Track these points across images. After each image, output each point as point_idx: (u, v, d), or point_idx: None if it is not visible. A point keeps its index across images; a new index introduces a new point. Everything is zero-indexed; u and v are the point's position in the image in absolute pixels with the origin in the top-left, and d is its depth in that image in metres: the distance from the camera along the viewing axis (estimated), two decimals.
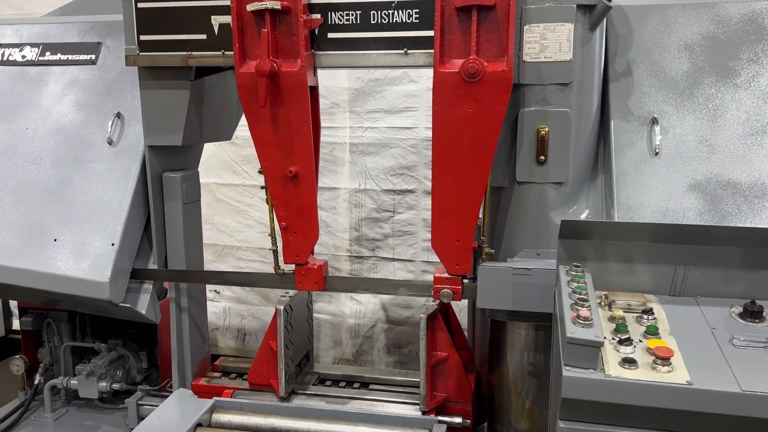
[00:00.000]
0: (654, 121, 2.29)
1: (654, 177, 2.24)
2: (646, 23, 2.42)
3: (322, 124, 4.24)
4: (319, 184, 4.31)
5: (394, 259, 4.19)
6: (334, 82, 4.05)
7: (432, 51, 2.17)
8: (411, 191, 4.06)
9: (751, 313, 1.77)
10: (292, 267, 2.49)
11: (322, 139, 4.30)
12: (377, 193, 4.14)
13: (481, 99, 2.15)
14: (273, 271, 2.60)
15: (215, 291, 4.49)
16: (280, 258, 2.53)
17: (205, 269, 3.26)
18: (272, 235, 2.49)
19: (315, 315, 4.29)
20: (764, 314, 1.77)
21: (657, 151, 2.25)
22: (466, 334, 3.05)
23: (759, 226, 2.06)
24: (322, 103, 4.15)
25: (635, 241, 1.94)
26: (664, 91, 2.34)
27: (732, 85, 2.29)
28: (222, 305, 4.49)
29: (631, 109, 2.34)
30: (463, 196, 2.25)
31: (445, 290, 2.32)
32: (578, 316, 1.63)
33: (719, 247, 1.88)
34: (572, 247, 2.00)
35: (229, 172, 4.33)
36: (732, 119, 2.25)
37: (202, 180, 4.31)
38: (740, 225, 2.09)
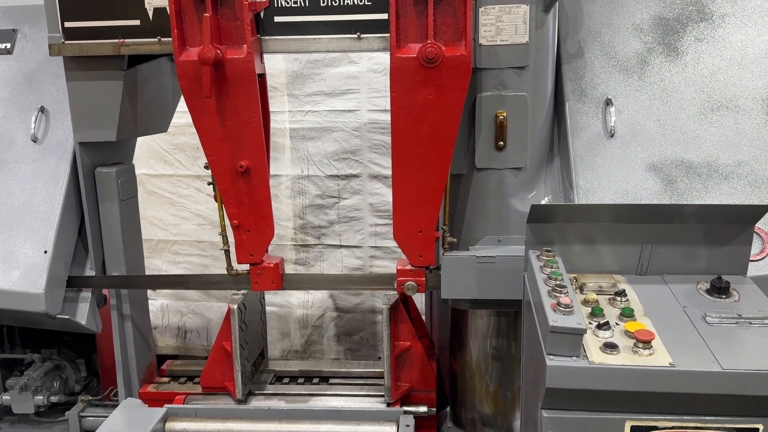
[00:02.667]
0: (608, 103, 2.29)
1: (611, 159, 2.25)
2: (595, 3, 2.41)
3: None
4: None
5: (341, 246, 4.10)
6: (271, 64, 3.86)
7: (387, 35, 2.08)
8: (356, 176, 3.97)
9: (719, 289, 1.81)
10: (246, 266, 2.36)
11: None
12: (321, 179, 4.03)
13: (440, 84, 2.08)
14: (225, 271, 2.46)
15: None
16: (233, 257, 2.39)
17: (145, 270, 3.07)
18: (223, 234, 2.35)
19: None
20: (731, 290, 1.82)
21: (612, 132, 2.26)
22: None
23: (717, 203, 2.11)
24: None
25: (601, 222, 1.95)
26: (616, 71, 2.35)
27: (681, 64, 2.33)
28: (159, 303, 4.27)
29: (585, 91, 2.34)
30: (425, 185, 2.19)
31: (409, 283, 2.27)
32: (558, 303, 1.61)
33: (683, 225, 1.91)
34: (540, 231, 1.98)
35: (161, 162, 4.09)
36: (682, 99, 2.29)
37: None
38: (698, 203, 2.13)
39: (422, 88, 2.09)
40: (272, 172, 4.07)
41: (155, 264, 4.23)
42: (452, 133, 2.14)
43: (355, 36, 2.16)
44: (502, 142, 2.25)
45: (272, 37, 2.17)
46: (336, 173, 3.99)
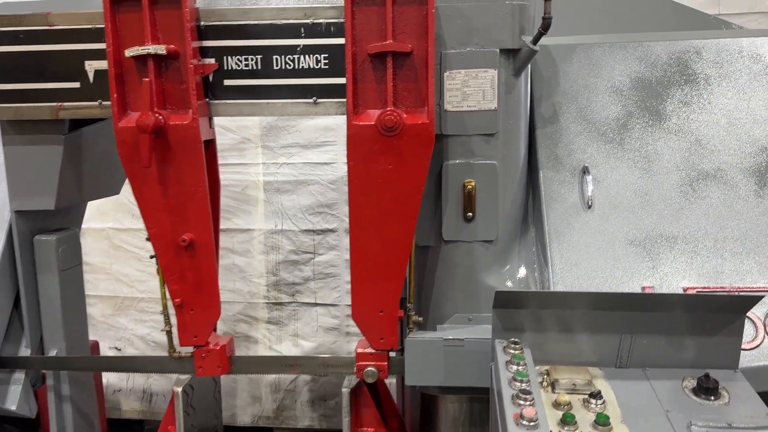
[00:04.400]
0: (585, 171, 2.13)
1: (588, 232, 2.07)
2: (571, 63, 2.27)
3: (232, 160, 3.96)
4: (232, 226, 3.99)
5: (316, 304, 3.90)
6: None
7: (345, 100, 1.93)
8: (332, 230, 3.79)
9: (706, 390, 1.61)
10: (191, 349, 2.16)
11: (234, 176, 4.01)
12: (295, 234, 3.85)
13: (400, 154, 1.92)
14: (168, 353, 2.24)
15: (116, 348, 4.05)
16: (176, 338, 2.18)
17: (95, 341, 2.87)
18: (164, 313, 2.15)
19: None
20: (720, 390, 1.62)
21: (590, 203, 2.09)
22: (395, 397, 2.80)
23: (704, 286, 1.93)
24: (232, 138, 3.83)
25: (576, 309, 1.76)
26: (594, 137, 2.19)
27: (663, 130, 2.17)
28: None
29: (560, 158, 2.17)
30: (385, 260, 2.01)
31: (369, 369, 2.06)
32: (522, 416, 1.42)
33: (666, 314, 1.72)
34: (508, 317, 1.79)
35: (128, 215, 3.91)
36: (666, 167, 2.13)
37: (97, 225, 3.95)
38: (682, 284, 1.95)
39: (381, 157, 1.92)
40: (244, 226, 3.91)
41: (121, 322, 4.02)
42: (415, 206, 1.96)
43: (311, 101, 2.00)
44: (470, 213, 2.08)
45: (222, 101, 2.02)
46: (311, 228, 3.81)
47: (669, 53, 2.25)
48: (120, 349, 4.05)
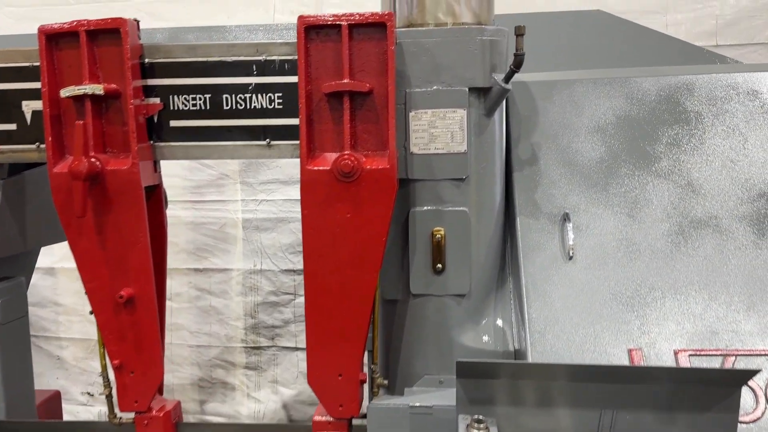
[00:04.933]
0: (566, 218, 1.94)
1: (569, 286, 1.88)
2: (551, 101, 2.10)
3: (210, 197, 3.80)
4: (209, 266, 3.83)
5: (297, 348, 3.71)
6: None
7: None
8: None
9: None
10: (132, 414, 1.97)
11: (211, 213, 3.85)
12: (275, 274, 3.68)
13: (360, 201, 1.75)
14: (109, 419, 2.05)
15: (88, 393, 3.86)
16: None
17: (57, 391, 2.69)
18: (103, 374, 1.97)
19: (206, 417, 3.74)
20: None
21: (571, 254, 1.90)
22: None
23: (701, 353, 1.73)
24: (210, 174, 3.69)
25: (551, 381, 1.56)
26: (576, 181, 2.01)
27: (652, 173, 1.99)
28: (97, 410, 3.85)
29: (539, 204, 1.99)
30: (345, 318, 1.82)
31: None
32: None
33: (653, 387, 1.52)
34: (474, 387, 1.59)
35: None
36: (654, 214, 1.94)
37: (70, 265, 3.78)
38: (673, 346, 1.75)
39: (339, 205, 1.75)
40: (222, 265, 3.75)
41: (93, 366, 3.84)
42: (376, 258, 1.78)
43: (265, 143, 1.84)
44: (440, 265, 1.90)
45: (168, 144, 1.86)
46: (291, 267, 3.64)
47: (658, 90, 2.09)
48: (92, 395, 3.87)
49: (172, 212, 3.70)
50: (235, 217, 3.69)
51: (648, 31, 2.38)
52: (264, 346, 3.71)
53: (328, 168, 1.73)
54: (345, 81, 1.71)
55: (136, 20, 1.80)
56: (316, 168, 1.75)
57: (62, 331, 3.88)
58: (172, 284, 3.78)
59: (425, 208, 1.89)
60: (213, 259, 3.71)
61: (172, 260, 3.75)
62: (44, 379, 4.00)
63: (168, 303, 3.82)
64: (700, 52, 2.31)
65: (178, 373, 3.77)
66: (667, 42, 2.38)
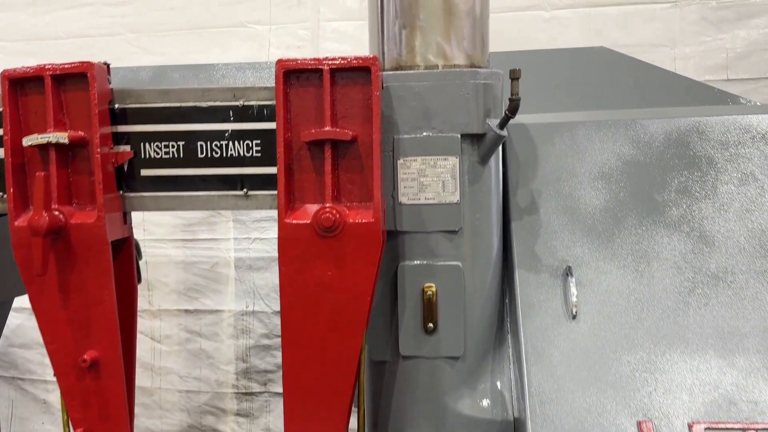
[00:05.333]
0: (568, 273, 1.80)
1: (572, 348, 1.73)
2: (552, 145, 1.97)
3: (202, 235, 3.68)
4: (200, 307, 3.69)
5: None
6: None
7: None
8: None
9: None
10: None
11: (203, 252, 3.73)
12: (268, 316, 3.53)
13: (342, 258, 1.61)
14: None
15: None
16: None
17: None
18: None
19: None
20: None
21: (574, 312, 1.75)
22: None
23: (718, 427, 1.56)
24: (202, 211, 3.57)
25: None
26: (579, 231, 1.86)
27: (661, 223, 1.84)
28: None
29: (540, 257, 1.85)
30: (326, 384, 1.67)
31: None
32: None
33: None
34: None
35: None
36: (664, 268, 1.79)
37: None
38: (687, 418, 1.59)
39: (319, 262, 1.61)
40: (213, 307, 3.61)
41: None
42: (361, 318, 1.64)
43: (242, 193, 1.71)
44: (431, 324, 1.75)
45: (138, 194, 1.74)
46: None
47: (666, 133, 1.95)
48: None
49: (162, 251, 3.60)
50: (227, 256, 3.56)
51: (654, 69, 2.25)
52: (256, 392, 3.55)
53: (308, 222, 1.60)
54: (327, 129, 1.59)
55: (105, 63, 1.70)
56: (295, 221, 1.61)
57: (48, 374, 3.74)
58: (161, 326, 3.65)
59: (415, 262, 1.75)
60: (204, 299, 3.58)
61: (162, 301, 3.63)
62: (30, 425, 3.86)
63: (157, 345, 3.69)
64: (711, 92, 2.18)
65: (167, 419, 3.61)
66: (675, 80, 2.25)
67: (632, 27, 3.05)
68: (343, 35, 3.47)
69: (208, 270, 3.57)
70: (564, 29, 3.12)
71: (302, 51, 3.53)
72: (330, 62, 1.59)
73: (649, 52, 3.03)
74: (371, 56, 1.58)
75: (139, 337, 3.65)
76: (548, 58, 2.28)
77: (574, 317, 1.75)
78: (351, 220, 1.59)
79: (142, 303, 3.60)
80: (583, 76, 2.21)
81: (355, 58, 1.58)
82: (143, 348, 3.60)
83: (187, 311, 3.58)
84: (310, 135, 1.59)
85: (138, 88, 1.72)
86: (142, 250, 3.32)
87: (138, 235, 3.36)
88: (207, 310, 3.57)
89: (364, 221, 1.59)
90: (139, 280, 1.95)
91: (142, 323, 3.63)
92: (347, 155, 1.63)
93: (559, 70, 2.22)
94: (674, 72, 2.30)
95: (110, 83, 1.71)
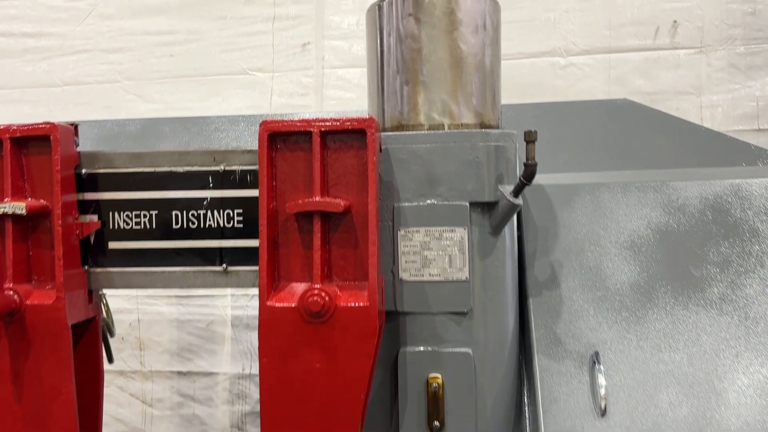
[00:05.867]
0: (595, 359, 1.56)
1: None
2: (573, 210, 1.76)
3: (197, 292, 3.49)
4: (194, 369, 3.45)
5: None
6: None
7: None
8: None
9: None
10: None
11: (198, 310, 3.51)
12: None
13: (333, 347, 1.39)
14: None
15: None
16: None
17: None
18: None
19: None
20: None
21: (603, 407, 1.51)
22: None
23: None
24: None
25: None
26: (606, 310, 1.64)
27: (699, 302, 1.61)
28: None
29: (562, 340, 1.62)
30: None
31: None
32: None
33: None
34: None
35: None
36: (705, 355, 1.55)
37: None
38: None
39: (306, 351, 1.40)
40: (207, 368, 3.37)
41: None
42: (354, 418, 1.41)
43: (221, 269, 1.51)
44: (437, 423, 1.51)
45: (105, 270, 1.54)
46: None
47: (701, 196, 1.73)
48: None
49: (155, 308, 3.39)
50: (223, 314, 3.35)
51: (684, 124, 2.05)
52: None
53: (294, 305, 1.39)
54: (316, 199, 1.39)
55: (72, 124, 1.52)
56: (278, 305, 1.40)
57: None
58: (153, 388, 3.42)
59: (419, 348, 1.53)
60: (198, 360, 3.35)
61: (155, 361, 3.41)
62: None
63: (149, 409, 3.45)
64: (747, 149, 1.97)
65: None
66: (706, 136, 2.04)
67: (655, 74, 2.86)
68: (348, 83, 3.31)
69: (203, 329, 3.35)
70: (583, 76, 2.93)
71: (306, 98, 3.37)
72: (320, 123, 1.40)
73: (674, 100, 2.83)
74: (367, 117, 1.40)
75: (129, 400, 3.43)
76: (566, 111, 2.08)
77: (603, 413, 1.51)
78: (343, 304, 1.38)
79: (133, 363, 3.39)
80: (605, 132, 2.00)
81: (349, 120, 1.40)
82: (134, 411, 3.37)
83: (180, 373, 3.35)
84: (296, 206, 1.39)
85: (109, 151, 1.54)
86: (135, 306, 3.07)
87: (130, 291, 3.14)
88: (201, 372, 3.34)
89: (357, 305, 1.37)
90: (110, 361, 1.75)
91: (134, 385, 3.41)
92: (340, 227, 1.43)
93: (579, 125, 2.02)
94: (706, 127, 2.09)
95: (78, 145, 1.54)
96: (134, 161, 1.52)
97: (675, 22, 2.87)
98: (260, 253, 1.41)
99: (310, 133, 1.40)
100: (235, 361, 3.33)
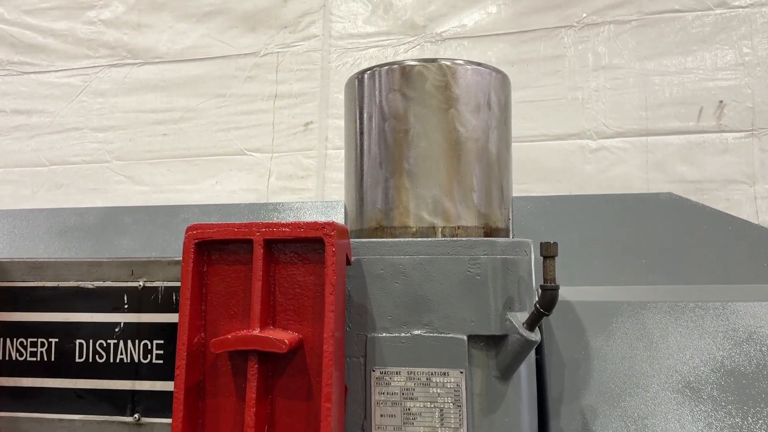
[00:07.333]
0: None
1: None
2: (611, 337, 1.35)
3: None
4: None
5: None
6: None
7: None
8: None
9: None
10: None
11: None
12: None
13: None
14: None
15: None
16: None
17: None
18: None
19: None
20: None
21: None
22: None
23: None
24: None
25: None
26: None
27: None
28: None
29: None
30: None
31: None
32: None
33: None
34: None
35: None
36: None
37: None
38: None
39: None
40: None
41: None
42: None
43: (132, 420, 1.13)
44: None
45: None
46: None
47: (764, 321, 1.32)
48: None
49: None
50: None
51: (735, 221, 1.65)
52: None
53: None
54: (254, 332, 1.02)
55: None
56: None
57: None
58: None
59: None
60: None
61: None
62: None
63: None
64: None
65: None
66: (765, 237, 1.64)
67: (701, 159, 2.48)
68: None
69: None
70: (617, 160, 2.57)
71: (306, 181, 3.07)
72: (265, 229, 1.05)
73: (724, 189, 2.44)
74: (325, 222, 1.04)
75: None
76: (596, 205, 1.71)
77: None
78: None
79: None
80: (646, 233, 1.61)
81: (303, 225, 1.04)
82: None
83: None
84: (224, 343, 1.02)
85: (3, 260, 1.21)
86: None
87: None
88: None
89: None
90: None
91: None
92: (286, 371, 1.04)
93: (613, 224, 1.64)
94: (763, 227, 1.69)
95: None
96: (34, 273, 1.18)
97: (721, 102, 2.52)
98: (174, 405, 1.03)
99: (250, 241, 1.05)
100: None
